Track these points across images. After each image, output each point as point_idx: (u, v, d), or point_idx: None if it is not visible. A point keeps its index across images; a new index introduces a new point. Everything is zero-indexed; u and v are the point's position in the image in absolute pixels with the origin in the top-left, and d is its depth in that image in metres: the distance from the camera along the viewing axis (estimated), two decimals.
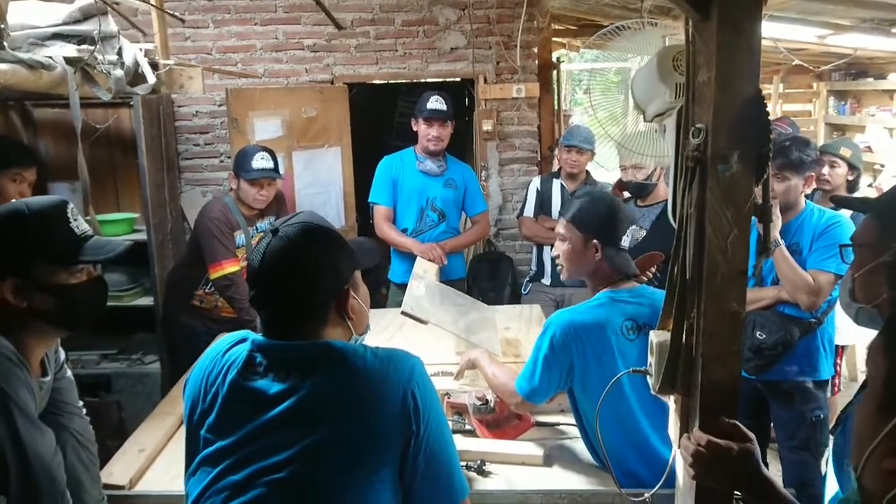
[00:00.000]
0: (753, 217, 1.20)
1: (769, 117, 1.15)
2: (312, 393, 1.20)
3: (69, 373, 1.64)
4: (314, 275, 1.26)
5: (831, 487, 1.29)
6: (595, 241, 1.98)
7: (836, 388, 3.45)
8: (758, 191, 1.21)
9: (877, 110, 6.19)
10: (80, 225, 1.45)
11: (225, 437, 1.21)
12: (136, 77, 2.77)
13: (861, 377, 4.45)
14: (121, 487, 1.93)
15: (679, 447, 1.34)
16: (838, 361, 3.49)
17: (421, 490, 1.24)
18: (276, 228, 1.27)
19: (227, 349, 1.30)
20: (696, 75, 1.20)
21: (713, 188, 1.18)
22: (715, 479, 1.24)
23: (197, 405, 1.27)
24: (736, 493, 1.36)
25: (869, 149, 6.07)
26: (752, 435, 1.23)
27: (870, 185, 6.06)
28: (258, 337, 1.28)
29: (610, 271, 1.99)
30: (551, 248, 3.66)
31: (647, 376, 1.38)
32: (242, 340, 1.30)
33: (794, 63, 6.13)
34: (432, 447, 1.23)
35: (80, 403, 1.66)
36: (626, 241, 2.00)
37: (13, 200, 1.46)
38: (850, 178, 3.45)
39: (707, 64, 1.16)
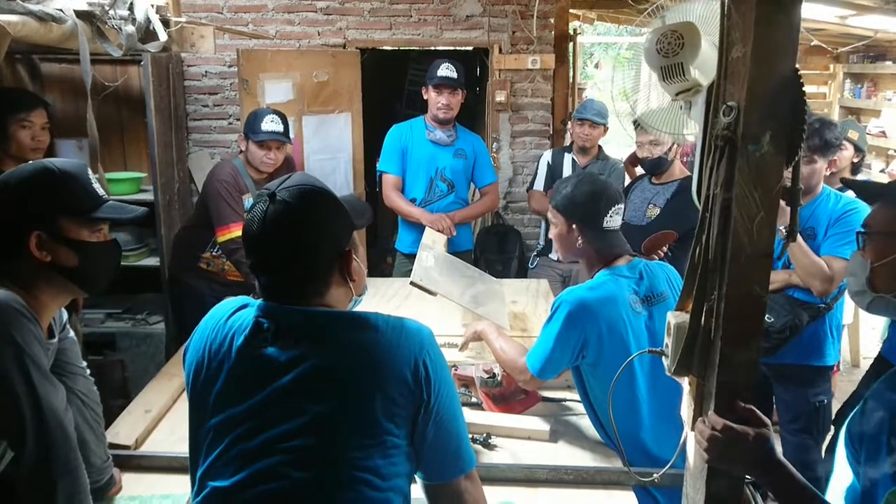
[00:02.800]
0: None
1: (805, 97, 1.11)
2: (325, 361, 1.19)
3: (72, 333, 1.65)
4: (318, 239, 1.24)
5: (842, 475, 1.28)
6: (574, 225, 1.98)
7: (835, 368, 3.46)
8: (787, 173, 1.18)
9: (894, 95, 6.10)
10: (99, 188, 1.49)
11: (235, 404, 1.20)
12: (146, 34, 2.72)
13: (864, 363, 4.45)
14: (126, 447, 1.94)
15: (692, 429, 1.33)
16: None
17: (429, 458, 1.24)
18: (272, 193, 1.24)
19: (230, 315, 1.28)
20: (730, 51, 1.16)
21: (742, 168, 1.15)
22: (730, 464, 1.23)
23: (200, 372, 1.25)
24: (747, 476, 1.37)
25: (884, 133, 6.00)
26: (767, 420, 1.22)
27: (882, 171, 6.01)
28: (261, 302, 1.27)
29: (595, 253, 1.99)
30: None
31: (663, 357, 1.36)
32: (244, 306, 1.29)
33: (812, 44, 6.04)
34: (442, 417, 1.23)
35: (84, 364, 1.67)
36: (611, 221, 1.97)
37: (41, 160, 1.48)
38: (856, 160, 3.42)
39: (743, 39, 1.12)
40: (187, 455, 1.29)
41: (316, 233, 1.24)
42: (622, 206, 1.99)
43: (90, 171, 1.48)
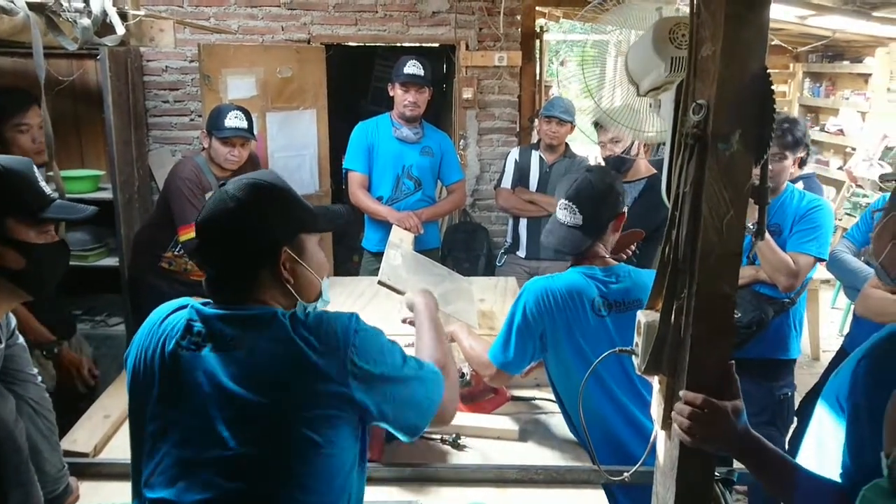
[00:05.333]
0: None
1: (774, 96, 1.12)
2: (246, 362, 1.16)
3: (21, 339, 1.59)
4: (243, 231, 1.22)
5: (824, 439, 1.30)
6: None
7: None
8: (755, 172, 1.18)
9: (851, 94, 6.25)
10: (45, 187, 1.44)
11: (169, 410, 1.18)
12: (103, 27, 2.63)
13: (825, 357, 4.55)
14: (85, 455, 1.87)
15: (662, 428, 1.33)
16: None
17: (397, 421, 1.27)
18: (224, 183, 1.25)
19: (165, 318, 1.26)
20: (700, 49, 1.16)
21: (712, 167, 1.15)
22: (711, 441, 1.23)
23: (138, 378, 1.23)
24: (716, 474, 1.37)
25: (841, 132, 6.14)
26: (739, 393, 1.23)
27: (840, 168, 6.15)
28: (197, 303, 1.24)
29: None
30: (528, 221, 3.70)
31: (633, 356, 1.36)
32: (182, 307, 1.26)
33: (772, 43, 6.15)
34: (395, 399, 1.24)
35: (35, 371, 1.60)
36: (559, 214, 1.98)
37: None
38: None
39: (712, 37, 1.12)
40: None
41: (242, 224, 1.22)
42: (572, 204, 1.95)
43: (34, 168, 1.42)
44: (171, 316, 1.25)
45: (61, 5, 2.36)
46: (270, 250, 1.23)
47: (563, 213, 1.97)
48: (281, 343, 1.16)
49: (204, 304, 1.24)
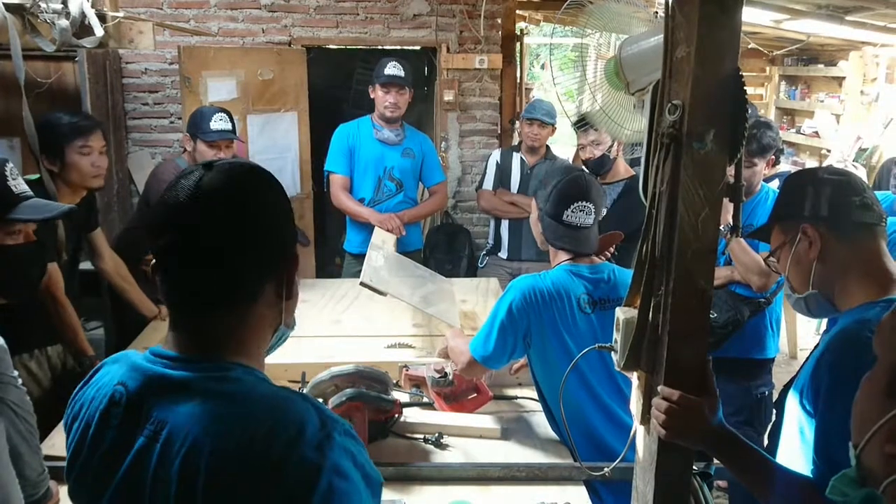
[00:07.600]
0: None
1: (746, 96, 1.14)
2: (166, 446, 0.86)
3: (1, 341, 1.56)
4: (265, 221, 0.92)
5: (794, 438, 1.33)
6: (538, 214, 2.03)
7: None
8: (729, 170, 1.21)
9: (826, 96, 6.35)
10: (19, 185, 1.41)
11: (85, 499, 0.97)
12: (81, 29, 2.62)
13: (802, 355, 4.61)
14: (62, 458, 1.85)
15: (641, 423, 1.35)
16: None
17: None
18: (210, 163, 0.92)
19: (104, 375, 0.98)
20: (675, 51, 1.19)
21: (687, 166, 1.17)
22: (686, 436, 1.25)
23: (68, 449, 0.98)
24: (694, 468, 1.40)
25: (817, 134, 6.24)
26: (716, 390, 1.26)
27: None
28: (138, 358, 0.94)
29: (551, 245, 2.03)
30: (509, 222, 3.72)
31: (612, 353, 1.38)
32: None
33: (749, 46, 6.24)
34: None
35: (15, 373, 1.59)
36: (572, 216, 1.95)
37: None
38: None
39: (687, 39, 1.15)
40: None
41: (263, 212, 0.92)
42: (588, 204, 1.96)
43: (10, 168, 1.39)
44: (105, 371, 0.97)
45: (39, 6, 2.35)
46: (288, 254, 0.96)
47: (581, 214, 1.95)
48: (213, 429, 0.84)
49: (137, 360, 0.94)
